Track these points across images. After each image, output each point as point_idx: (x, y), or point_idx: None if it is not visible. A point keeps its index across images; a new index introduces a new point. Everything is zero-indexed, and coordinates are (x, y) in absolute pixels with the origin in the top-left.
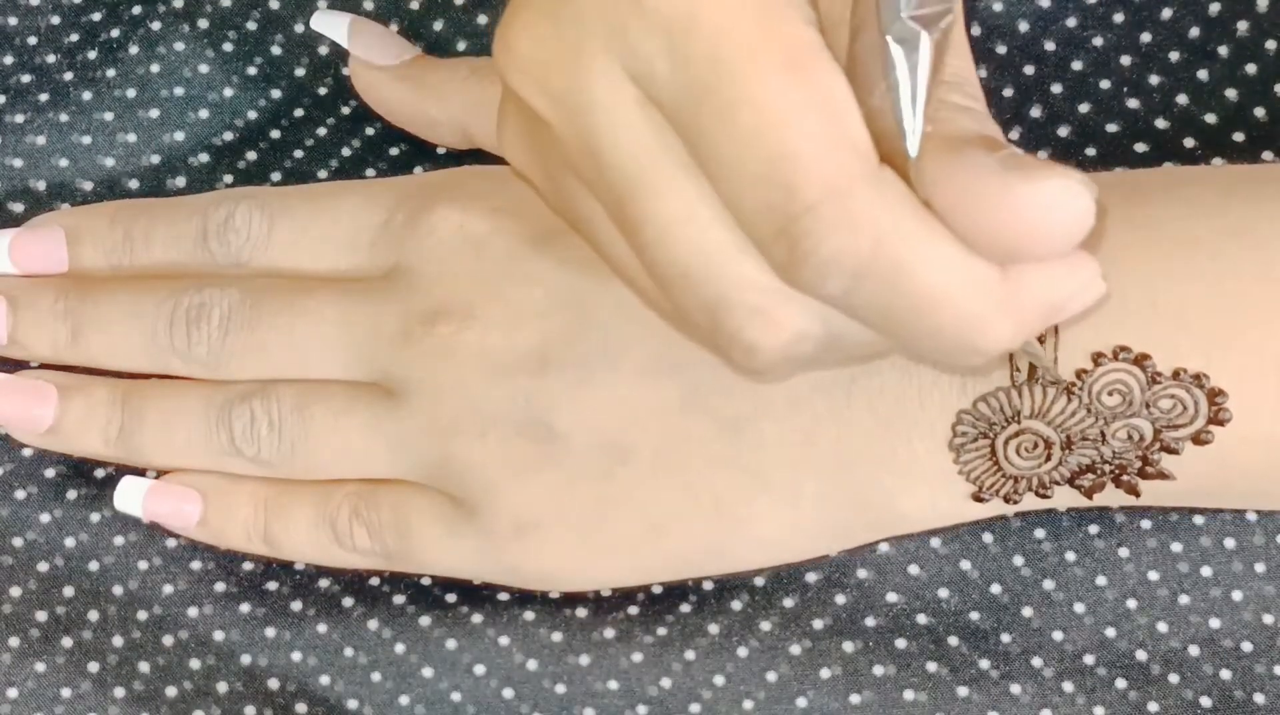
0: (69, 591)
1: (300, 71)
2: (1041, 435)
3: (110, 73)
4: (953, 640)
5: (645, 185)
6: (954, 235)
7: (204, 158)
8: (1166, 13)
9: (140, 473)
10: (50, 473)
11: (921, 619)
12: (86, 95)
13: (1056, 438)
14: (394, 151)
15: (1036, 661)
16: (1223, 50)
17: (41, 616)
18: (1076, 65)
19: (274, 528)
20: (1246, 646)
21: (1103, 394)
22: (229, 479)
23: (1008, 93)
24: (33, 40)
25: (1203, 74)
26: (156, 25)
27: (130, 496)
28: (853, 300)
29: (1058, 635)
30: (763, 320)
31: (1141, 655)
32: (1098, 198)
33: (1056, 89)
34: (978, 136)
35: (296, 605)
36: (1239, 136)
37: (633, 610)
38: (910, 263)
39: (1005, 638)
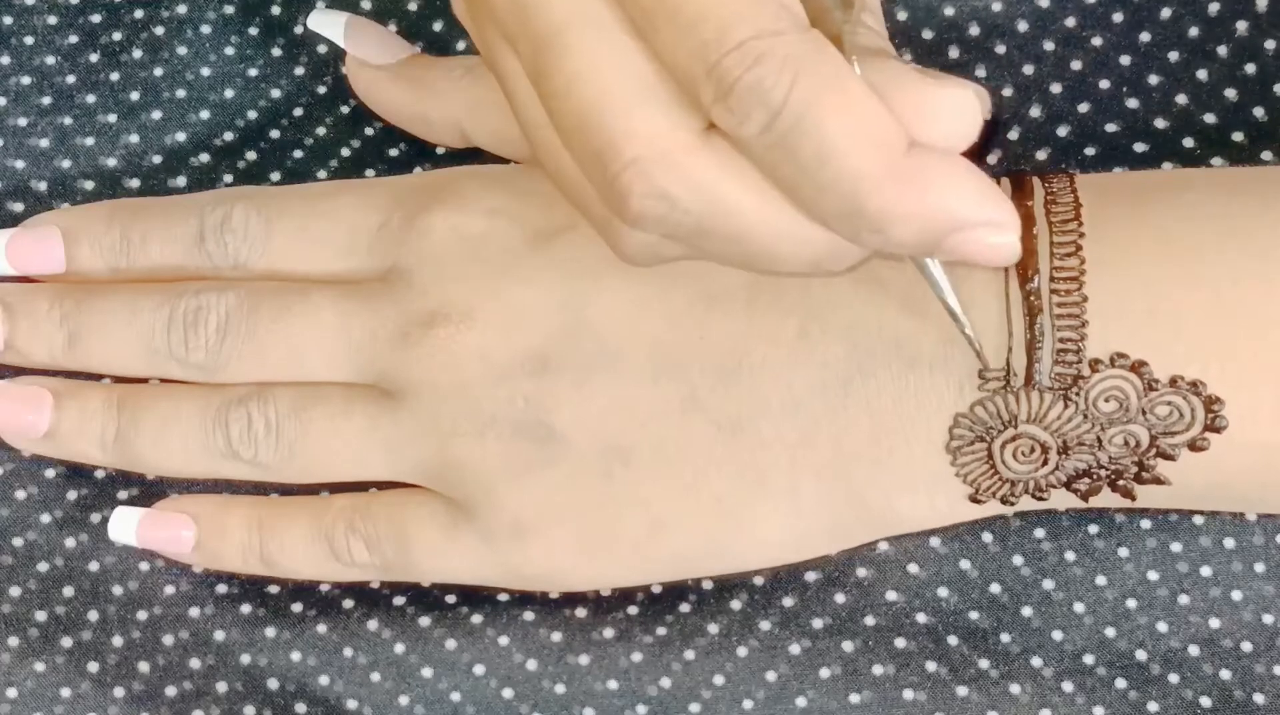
0: (69, 591)
1: (300, 71)
2: (1038, 440)
3: (114, 76)
4: (952, 640)
5: (559, 38)
6: (871, 92)
7: (204, 158)
8: (1166, 12)
9: (138, 479)
10: (50, 473)
11: (921, 618)
12: (90, 98)
13: (1053, 443)
14: (394, 152)
15: (1036, 661)
16: (1222, 50)
17: (41, 616)
18: (1076, 65)
19: (270, 547)
20: (1246, 646)
21: (1099, 400)
22: (221, 501)
23: (1007, 92)
24: (29, 40)
25: (1202, 74)
26: (160, 30)
27: (124, 527)
28: (767, 141)
29: (1057, 635)
30: (638, 170)
31: (1141, 655)
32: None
33: (1056, 89)
34: (883, 51)
35: (296, 605)
36: (1239, 136)
37: (632, 610)
38: (822, 103)
39: (1005, 637)
